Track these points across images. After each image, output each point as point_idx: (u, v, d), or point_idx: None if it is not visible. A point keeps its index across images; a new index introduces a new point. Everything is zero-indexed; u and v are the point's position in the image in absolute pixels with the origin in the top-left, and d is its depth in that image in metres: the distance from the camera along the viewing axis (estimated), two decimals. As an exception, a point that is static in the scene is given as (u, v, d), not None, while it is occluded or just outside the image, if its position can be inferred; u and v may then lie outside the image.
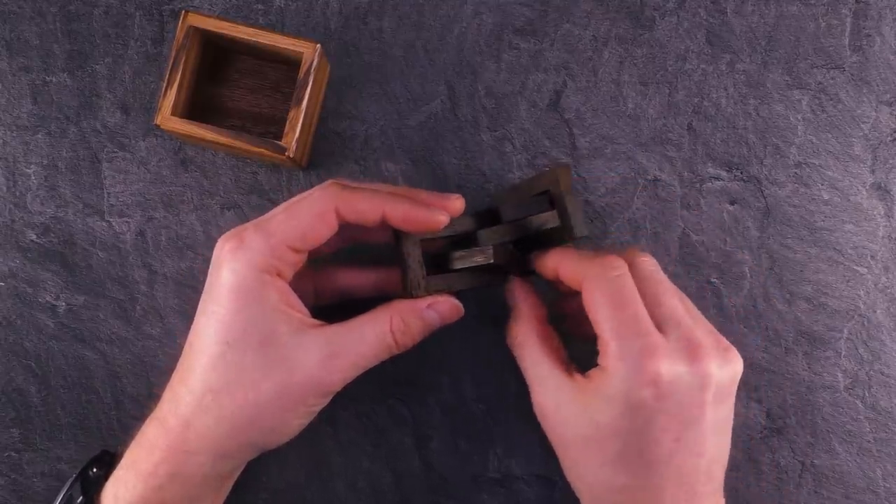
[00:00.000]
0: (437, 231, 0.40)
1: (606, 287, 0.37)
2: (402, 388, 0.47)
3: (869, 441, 0.47)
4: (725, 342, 0.38)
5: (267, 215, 0.39)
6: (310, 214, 0.38)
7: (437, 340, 0.46)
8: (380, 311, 0.39)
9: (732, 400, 0.38)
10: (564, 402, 0.38)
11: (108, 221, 0.47)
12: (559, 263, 0.40)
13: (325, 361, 0.37)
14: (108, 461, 0.41)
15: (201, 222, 0.47)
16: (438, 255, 0.43)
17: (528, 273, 0.43)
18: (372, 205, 0.38)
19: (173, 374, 0.39)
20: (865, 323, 0.47)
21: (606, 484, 0.37)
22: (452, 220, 0.40)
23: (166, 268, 0.47)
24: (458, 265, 0.41)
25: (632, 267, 0.38)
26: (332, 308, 0.43)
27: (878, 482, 0.47)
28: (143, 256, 0.47)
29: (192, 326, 0.39)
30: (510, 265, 0.42)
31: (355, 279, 0.44)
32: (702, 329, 0.38)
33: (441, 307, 0.40)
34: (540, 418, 0.39)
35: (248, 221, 0.46)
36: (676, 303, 0.38)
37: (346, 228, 0.40)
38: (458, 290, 0.42)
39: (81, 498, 0.40)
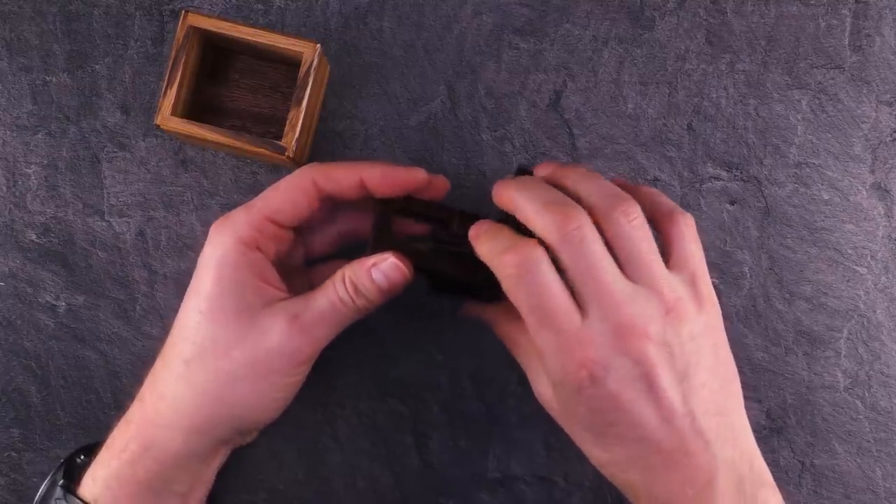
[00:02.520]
0: (415, 190, 0.39)
1: (526, 278, 0.34)
2: (402, 387, 0.47)
3: (869, 441, 0.47)
4: (704, 292, 0.36)
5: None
6: (288, 186, 0.39)
7: (437, 340, 0.46)
8: (336, 274, 0.39)
9: (697, 347, 0.35)
10: (545, 384, 0.37)
11: (108, 221, 0.47)
12: (515, 201, 0.36)
13: (290, 325, 0.38)
14: (95, 449, 0.42)
15: (201, 222, 0.47)
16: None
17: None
18: (348, 172, 0.39)
19: (158, 354, 0.40)
20: (865, 323, 0.47)
21: (602, 459, 0.36)
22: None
23: (166, 268, 0.47)
24: (423, 245, 0.40)
25: (604, 220, 0.35)
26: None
27: (877, 482, 0.47)
28: (143, 256, 0.47)
29: (183, 302, 0.40)
30: (474, 273, 0.39)
31: (344, 226, 0.44)
32: (676, 282, 0.35)
33: (383, 265, 0.38)
34: (543, 405, 0.39)
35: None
36: (650, 258, 0.35)
37: (339, 217, 0.41)
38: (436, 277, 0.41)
39: (62, 481, 0.41)
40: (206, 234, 0.47)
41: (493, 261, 0.36)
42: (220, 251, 0.38)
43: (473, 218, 0.40)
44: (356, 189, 0.39)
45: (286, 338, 0.38)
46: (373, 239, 0.40)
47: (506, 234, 0.36)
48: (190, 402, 0.38)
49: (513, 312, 0.37)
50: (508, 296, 0.35)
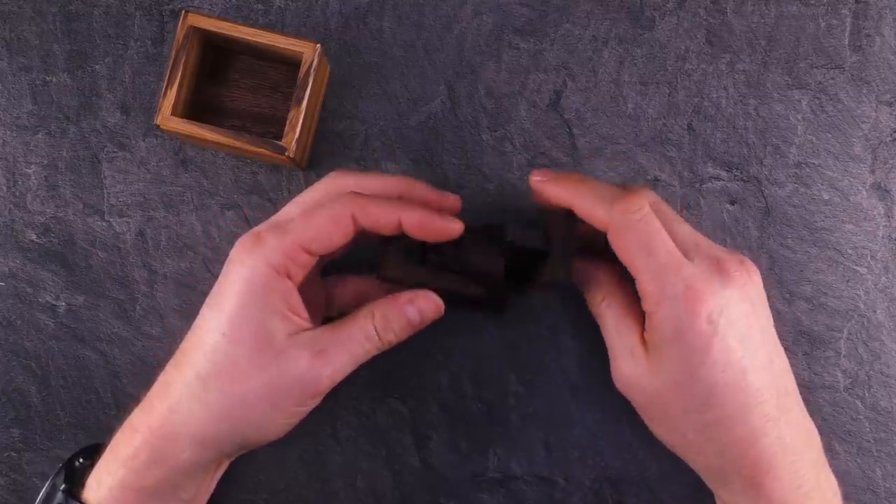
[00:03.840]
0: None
1: (635, 232, 0.38)
2: (402, 387, 0.47)
3: (869, 441, 0.47)
4: (739, 253, 0.39)
5: (282, 215, 0.40)
6: (327, 219, 0.38)
7: (437, 340, 0.46)
8: (364, 309, 0.40)
9: (767, 303, 0.40)
10: (639, 363, 0.39)
11: (108, 221, 0.47)
12: (575, 197, 0.40)
13: (314, 360, 0.38)
14: (95, 451, 0.41)
15: (201, 222, 0.47)
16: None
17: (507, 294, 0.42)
18: (388, 212, 0.39)
19: (169, 362, 0.40)
20: (865, 323, 0.47)
21: (694, 425, 0.38)
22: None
23: (166, 268, 0.47)
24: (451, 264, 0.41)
25: (649, 205, 0.39)
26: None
27: (877, 482, 0.47)
28: (143, 256, 0.47)
29: (198, 318, 0.39)
30: (495, 285, 0.41)
31: (367, 285, 0.44)
32: (716, 248, 0.39)
33: (420, 303, 0.40)
34: (620, 389, 0.41)
35: (248, 222, 0.47)
36: (687, 228, 0.40)
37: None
38: (445, 294, 0.41)
39: (64, 485, 0.41)
40: (206, 234, 0.47)
41: (598, 209, 0.39)
42: (248, 274, 0.38)
43: (478, 233, 0.41)
44: (392, 228, 0.39)
45: (307, 371, 0.38)
46: (384, 267, 0.40)
47: (606, 186, 0.41)
48: (202, 419, 0.38)
49: (608, 280, 0.42)
50: (616, 241, 0.38)
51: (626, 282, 0.41)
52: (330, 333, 0.39)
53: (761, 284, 0.39)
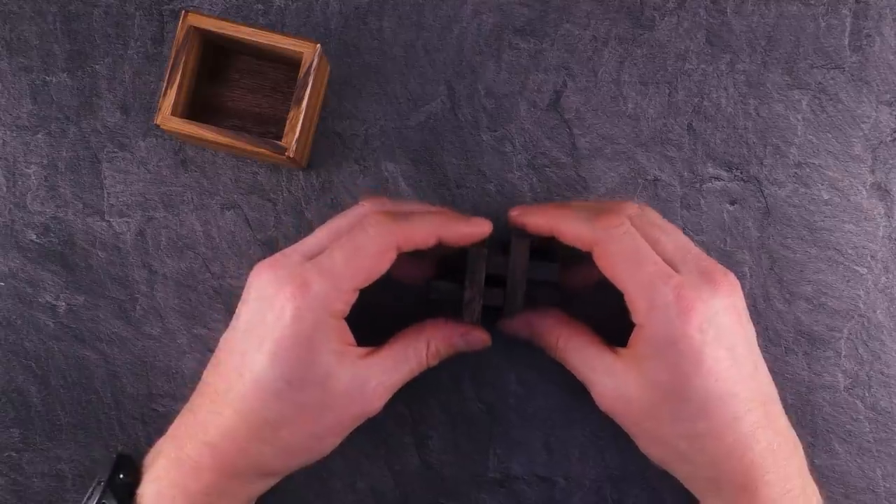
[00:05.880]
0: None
1: (619, 247, 0.38)
2: (403, 387, 0.47)
3: (869, 441, 0.47)
4: (721, 266, 0.39)
5: (319, 243, 0.39)
6: (373, 255, 0.38)
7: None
8: (417, 335, 0.41)
9: (748, 314, 0.40)
10: (621, 380, 0.39)
11: (108, 221, 0.47)
12: (556, 223, 0.40)
13: (372, 392, 0.39)
14: (131, 467, 0.40)
15: (201, 222, 0.47)
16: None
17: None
18: (427, 232, 0.39)
19: (209, 392, 0.39)
20: (865, 323, 0.47)
21: (686, 435, 0.38)
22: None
23: (166, 268, 0.47)
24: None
25: (629, 219, 0.40)
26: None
27: (877, 482, 0.47)
28: (143, 256, 0.47)
29: (233, 350, 0.38)
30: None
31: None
32: (703, 257, 0.39)
33: (473, 338, 0.42)
34: (606, 409, 0.41)
35: (248, 222, 0.47)
36: (674, 239, 0.40)
37: None
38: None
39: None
40: (206, 234, 0.47)
41: (582, 229, 0.39)
42: (303, 326, 0.37)
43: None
44: (431, 245, 0.40)
45: (367, 403, 0.39)
46: (469, 297, 0.42)
47: (585, 206, 0.42)
48: (273, 459, 0.39)
49: (554, 325, 0.43)
50: (602, 258, 0.39)
51: (573, 319, 0.43)
52: (384, 362, 0.40)
53: (743, 295, 0.39)
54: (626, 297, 0.38)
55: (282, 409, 0.38)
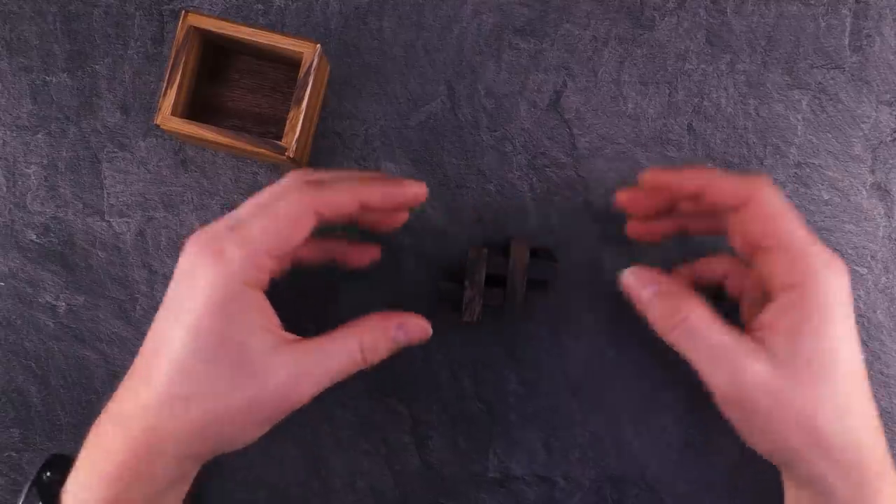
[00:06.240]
0: (414, 207, 0.41)
1: (781, 202, 0.38)
2: (402, 387, 0.47)
3: (869, 441, 0.47)
4: None
5: (240, 214, 0.38)
6: (289, 218, 0.37)
7: (437, 340, 0.46)
8: (351, 329, 0.39)
9: None
10: (775, 367, 0.37)
11: (108, 221, 0.47)
12: (708, 183, 0.39)
13: (295, 379, 0.37)
14: (62, 465, 0.40)
15: (201, 222, 0.47)
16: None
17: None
18: (348, 196, 0.38)
19: (131, 374, 0.38)
20: (865, 323, 0.47)
21: (834, 412, 0.37)
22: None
23: (166, 268, 0.47)
24: None
25: None
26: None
27: (878, 482, 0.47)
28: (143, 256, 0.47)
29: (155, 329, 0.38)
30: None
31: (307, 250, 0.44)
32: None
33: (410, 328, 0.40)
34: (744, 395, 0.37)
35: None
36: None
37: (329, 246, 0.42)
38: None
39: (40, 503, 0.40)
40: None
41: (738, 181, 0.39)
42: (218, 293, 0.36)
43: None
44: (356, 211, 0.39)
45: (288, 388, 0.37)
46: (468, 299, 0.43)
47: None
48: (186, 438, 0.37)
49: (680, 294, 0.40)
50: (760, 210, 0.38)
51: (697, 290, 0.40)
52: (312, 353, 0.38)
53: None
54: (776, 257, 0.38)
55: (194, 382, 0.36)
